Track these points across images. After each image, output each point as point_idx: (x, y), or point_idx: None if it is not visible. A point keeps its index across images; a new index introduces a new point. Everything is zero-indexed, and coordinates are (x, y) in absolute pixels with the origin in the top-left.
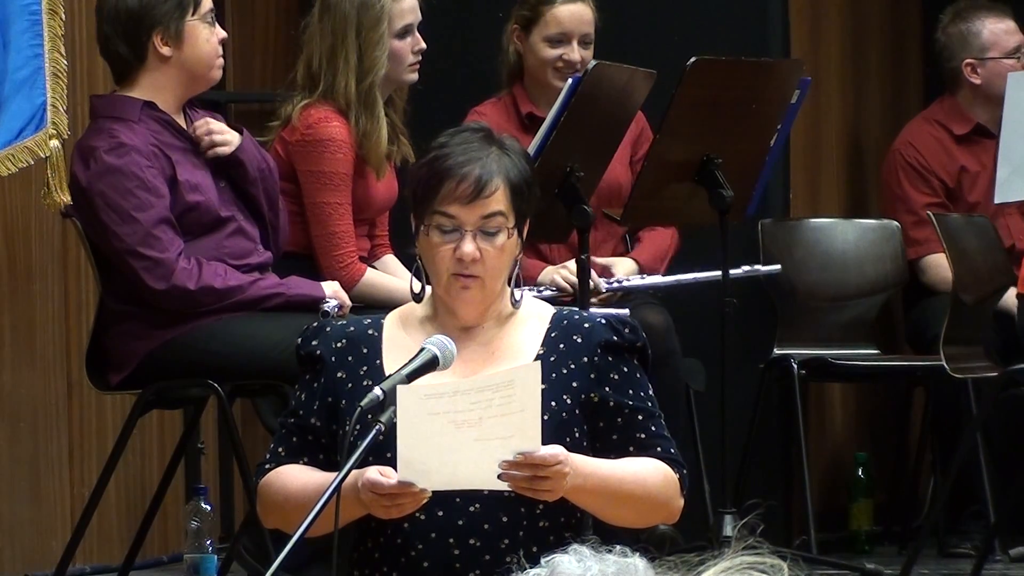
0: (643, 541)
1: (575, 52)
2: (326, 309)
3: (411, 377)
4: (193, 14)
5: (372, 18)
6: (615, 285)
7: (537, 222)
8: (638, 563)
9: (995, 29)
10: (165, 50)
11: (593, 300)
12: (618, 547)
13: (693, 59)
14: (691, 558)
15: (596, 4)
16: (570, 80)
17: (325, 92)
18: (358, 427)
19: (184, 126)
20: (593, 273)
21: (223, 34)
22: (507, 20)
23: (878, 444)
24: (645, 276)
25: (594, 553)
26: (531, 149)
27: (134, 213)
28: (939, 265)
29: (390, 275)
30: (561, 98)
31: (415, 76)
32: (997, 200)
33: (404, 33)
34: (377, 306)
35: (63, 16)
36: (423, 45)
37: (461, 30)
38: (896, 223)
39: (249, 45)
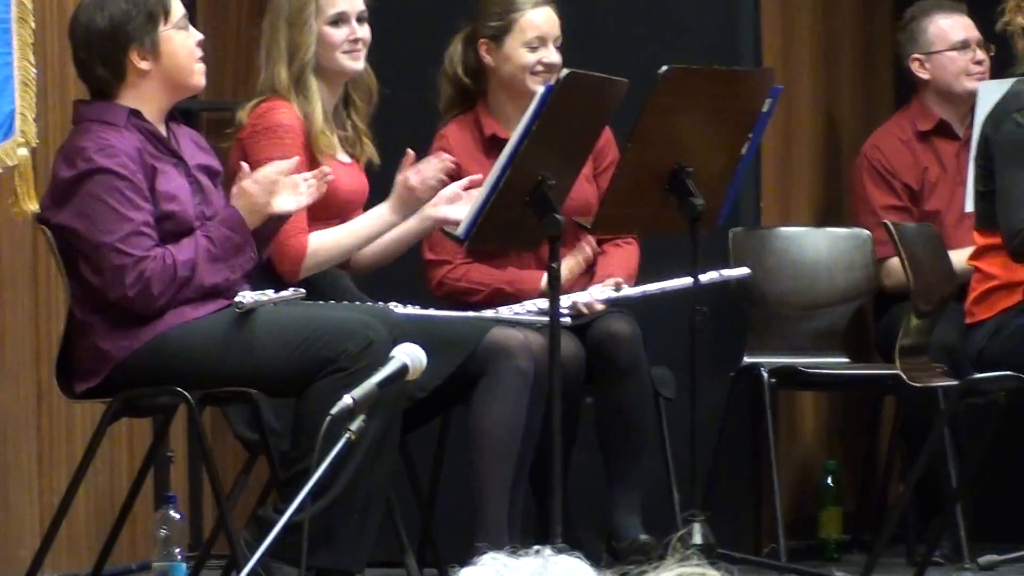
0: (619, 550)
1: (552, 55)
2: (240, 301)
3: (382, 385)
4: (165, 23)
5: (299, 5)
6: (611, 297)
7: (508, 231)
8: (575, 563)
9: (941, 24)
10: (144, 65)
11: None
12: (547, 549)
13: (665, 68)
14: (630, 568)
15: (570, 13)
16: (542, 89)
17: (267, 85)
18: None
19: (165, 135)
20: (590, 291)
21: (199, 36)
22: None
23: (848, 452)
24: (620, 288)
25: (514, 557)
26: (502, 158)
27: (123, 211)
28: (900, 269)
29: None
30: (533, 107)
31: (355, 65)
32: (968, 208)
33: (337, 21)
34: (342, 266)
35: (33, 24)
36: (362, 35)
37: (434, 35)
38: (867, 231)
39: (220, 54)
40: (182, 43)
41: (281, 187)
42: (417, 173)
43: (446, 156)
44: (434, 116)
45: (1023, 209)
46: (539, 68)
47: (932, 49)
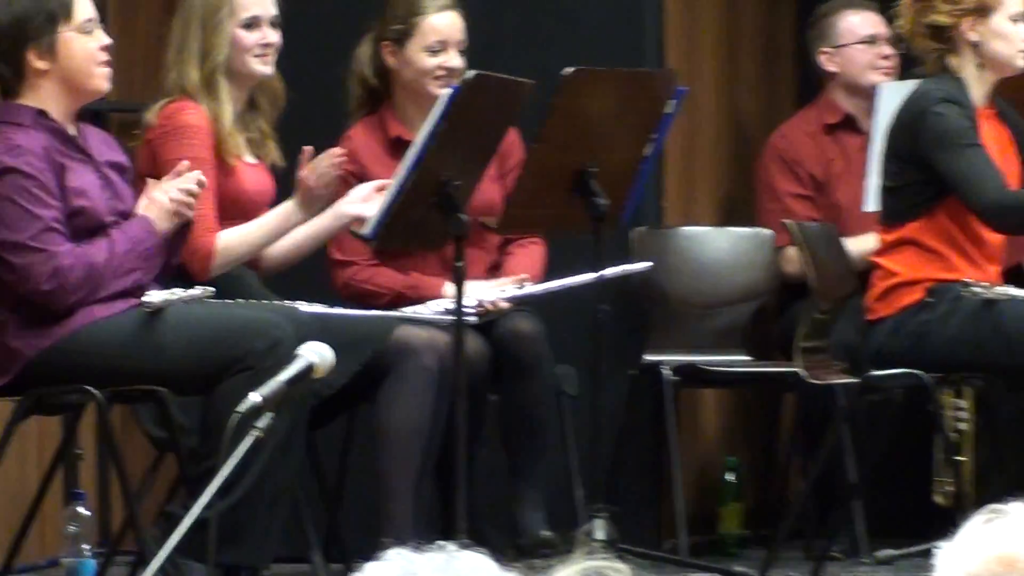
0: (524, 546)
1: (454, 59)
2: (149, 301)
3: (288, 384)
4: (67, 24)
5: (213, 7)
6: (516, 295)
7: (414, 231)
8: (480, 558)
9: (850, 19)
10: (41, 64)
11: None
12: (452, 545)
13: (569, 70)
14: (536, 562)
15: (475, 14)
16: (448, 90)
17: (176, 85)
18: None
19: (75, 134)
20: (496, 289)
21: (107, 40)
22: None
23: (748, 449)
24: (525, 286)
25: (420, 553)
26: (407, 160)
27: (32, 209)
28: (795, 258)
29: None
30: (439, 108)
31: (265, 69)
32: (867, 208)
33: (250, 24)
34: (251, 264)
35: None
36: (273, 40)
37: (344, 37)
38: (768, 231)
39: (130, 55)
40: (82, 46)
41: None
42: (312, 170)
43: (337, 150)
44: (343, 117)
45: (985, 183)
46: (440, 72)
47: (841, 43)
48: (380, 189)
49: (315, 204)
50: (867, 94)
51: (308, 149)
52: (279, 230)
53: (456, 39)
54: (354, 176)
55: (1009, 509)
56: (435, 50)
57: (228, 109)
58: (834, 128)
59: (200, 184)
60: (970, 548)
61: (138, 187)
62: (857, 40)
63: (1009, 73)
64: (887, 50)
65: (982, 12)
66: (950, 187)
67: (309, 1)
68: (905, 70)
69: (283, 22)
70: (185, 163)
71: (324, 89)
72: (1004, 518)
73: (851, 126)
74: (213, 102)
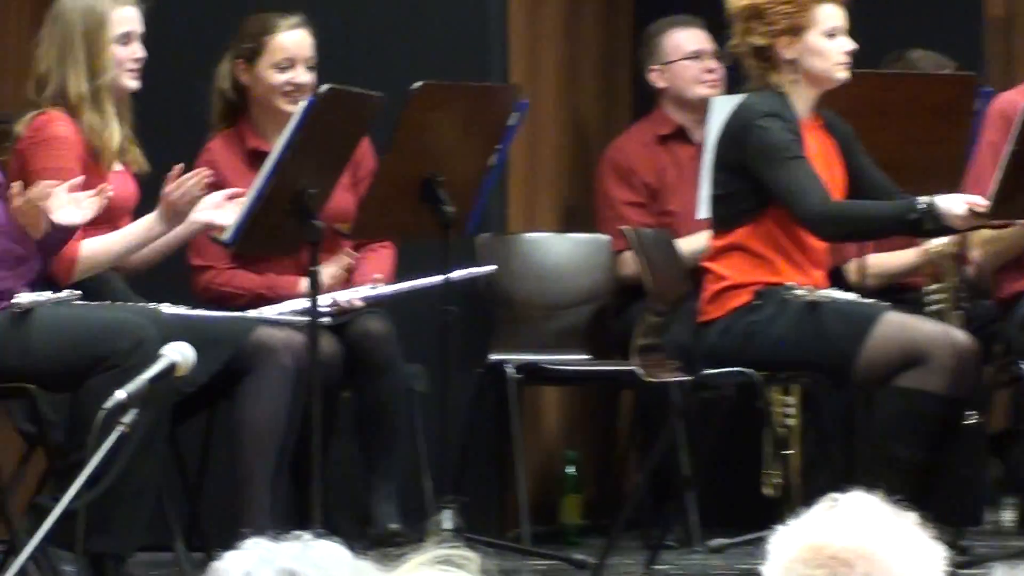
0: (375, 536)
1: (302, 76)
2: (19, 302)
3: (152, 381)
4: None
5: (96, 22)
6: (369, 296)
7: (271, 237)
8: (333, 547)
9: (676, 36)
10: None
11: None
12: (307, 535)
13: (418, 84)
14: (389, 551)
15: (328, 31)
16: (304, 103)
17: (54, 97)
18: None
19: None
20: (349, 290)
21: None
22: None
23: (588, 443)
24: (377, 286)
25: (276, 542)
26: (265, 169)
27: None
28: (631, 263)
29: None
30: (296, 120)
31: (134, 84)
32: (700, 215)
33: (123, 39)
34: (116, 267)
35: None
36: (142, 54)
37: (209, 53)
38: (606, 237)
39: (1, 66)
40: None
41: (60, 200)
42: (178, 187)
43: (206, 171)
44: (206, 129)
45: (808, 195)
46: (288, 88)
47: (668, 59)
48: (231, 197)
49: (177, 219)
50: (695, 107)
51: (178, 167)
52: (140, 242)
53: (304, 56)
54: (214, 186)
55: (840, 500)
56: (283, 67)
57: (114, 122)
58: (666, 139)
59: (103, 192)
60: (792, 537)
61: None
62: (683, 56)
63: (829, 86)
64: (712, 64)
65: (796, 31)
66: (776, 198)
67: (177, 17)
68: (735, 84)
69: (154, 36)
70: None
71: (191, 100)
72: (832, 509)
73: (683, 137)
74: (98, 116)
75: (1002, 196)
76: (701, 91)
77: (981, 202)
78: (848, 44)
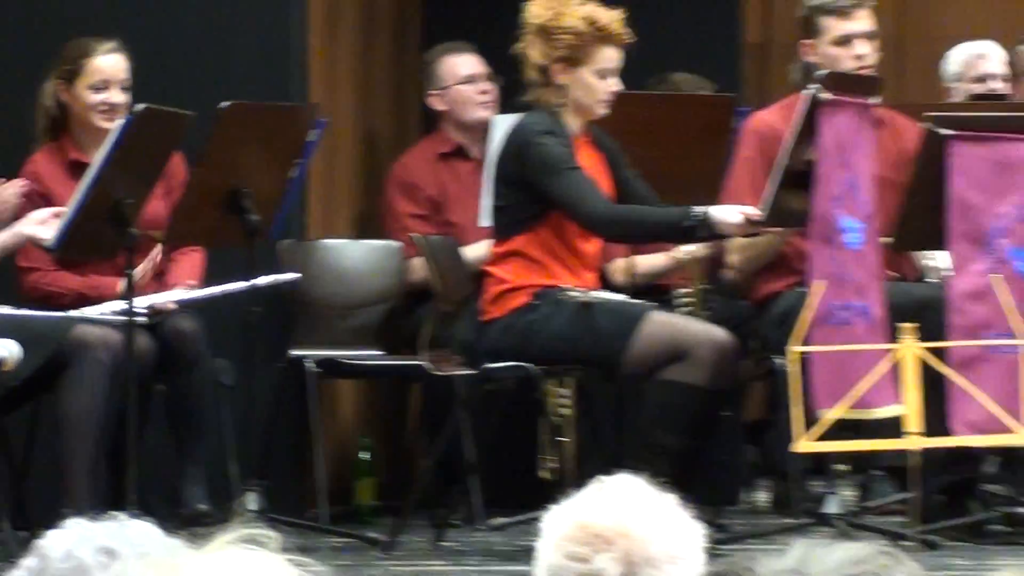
0: (185, 516)
1: (116, 96)
2: None
3: None
4: None
5: None
6: (183, 299)
7: (91, 242)
8: (147, 526)
9: (450, 61)
10: None
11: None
12: (123, 515)
13: (226, 104)
14: (197, 530)
15: (144, 53)
16: (122, 121)
17: None
18: None
19: None
20: (164, 294)
21: None
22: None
23: (381, 431)
24: (190, 291)
25: (95, 522)
26: (85, 180)
27: None
28: (420, 268)
29: None
30: (114, 136)
31: None
32: (482, 223)
33: None
34: None
35: None
36: None
37: (30, 69)
38: (397, 243)
39: None
40: None
41: None
42: None
43: (23, 181)
44: (31, 142)
45: (589, 200)
46: (103, 107)
47: (444, 84)
48: (56, 215)
49: None
50: (472, 127)
51: None
52: None
53: (119, 78)
54: (38, 195)
55: (608, 483)
56: (99, 88)
57: None
58: (447, 156)
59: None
60: (563, 517)
61: None
62: (458, 81)
63: (590, 117)
64: (486, 86)
65: (572, 62)
66: (558, 207)
67: (5, 34)
68: (507, 100)
69: None
70: None
71: (16, 114)
72: (599, 492)
73: (462, 154)
74: None
75: (775, 206)
76: (478, 113)
77: (755, 212)
78: (616, 86)
